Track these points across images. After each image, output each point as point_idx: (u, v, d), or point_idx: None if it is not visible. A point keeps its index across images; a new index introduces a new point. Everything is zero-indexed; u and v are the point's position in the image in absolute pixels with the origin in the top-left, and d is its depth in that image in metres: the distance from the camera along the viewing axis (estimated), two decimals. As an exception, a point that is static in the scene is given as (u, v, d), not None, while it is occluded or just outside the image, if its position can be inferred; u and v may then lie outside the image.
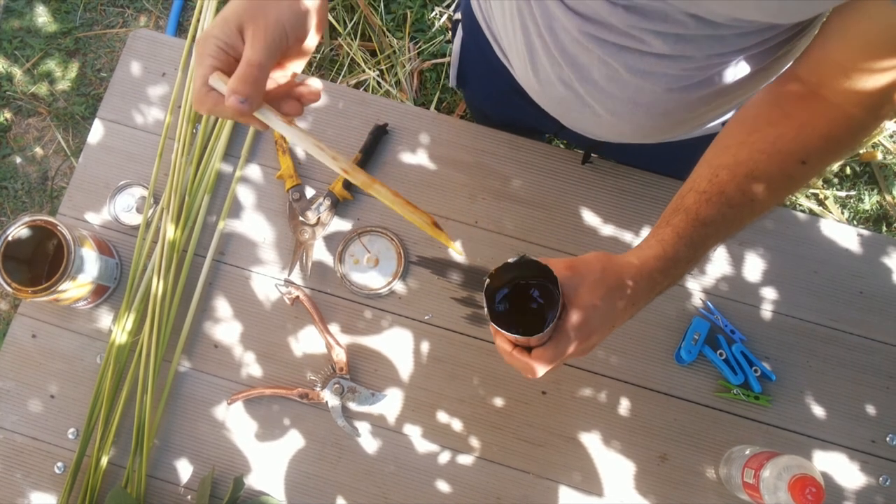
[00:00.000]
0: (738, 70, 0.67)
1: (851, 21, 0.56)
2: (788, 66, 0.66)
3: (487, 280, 0.58)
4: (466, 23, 0.91)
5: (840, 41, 0.58)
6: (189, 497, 0.88)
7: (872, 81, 0.57)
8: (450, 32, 1.77)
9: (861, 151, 1.76)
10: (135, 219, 0.94)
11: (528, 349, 0.60)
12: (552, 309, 0.58)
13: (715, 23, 0.60)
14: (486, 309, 0.57)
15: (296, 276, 0.93)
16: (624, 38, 0.64)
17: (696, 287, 0.93)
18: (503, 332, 0.57)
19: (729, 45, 0.63)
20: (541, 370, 0.60)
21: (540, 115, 0.87)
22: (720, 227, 0.60)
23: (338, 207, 0.94)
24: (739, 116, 0.64)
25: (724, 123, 0.84)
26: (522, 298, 0.62)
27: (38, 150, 1.81)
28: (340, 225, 0.95)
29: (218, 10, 1.01)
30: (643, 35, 0.62)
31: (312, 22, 0.57)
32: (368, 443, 0.90)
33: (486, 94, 1.00)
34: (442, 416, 0.90)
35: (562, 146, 1.08)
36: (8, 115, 1.83)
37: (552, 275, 0.56)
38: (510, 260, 0.58)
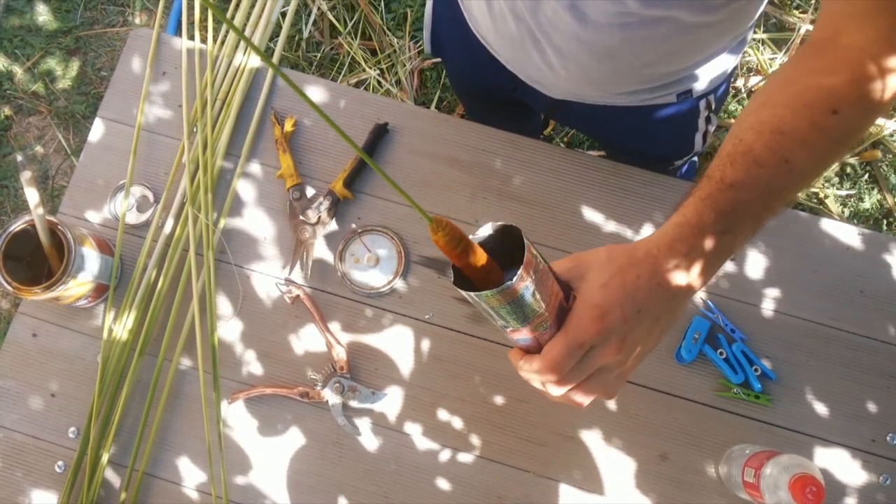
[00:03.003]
0: (682, 13, 0.67)
1: None
2: (752, 22, 0.64)
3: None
4: None
5: None
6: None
7: (890, 11, 0.52)
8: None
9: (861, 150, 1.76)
10: (135, 218, 0.94)
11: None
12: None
13: None
14: (452, 278, 0.50)
15: (296, 275, 0.93)
16: None
17: (696, 286, 0.93)
18: (463, 292, 0.49)
19: None
20: (559, 374, 0.51)
21: (505, 76, 0.88)
22: (753, 190, 0.51)
23: (338, 206, 0.94)
24: (759, 89, 0.62)
25: (683, 94, 0.85)
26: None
27: (39, 149, 1.81)
28: (341, 224, 0.95)
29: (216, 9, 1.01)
30: None
31: None
32: (369, 441, 0.90)
33: (460, 59, 1.01)
34: (443, 415, 0.90)
35: (562, 145, 1.08)
36: (8, 113, 1.83)
37: (515, 230, 0.48)
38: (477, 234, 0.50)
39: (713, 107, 0.93)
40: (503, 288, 0.47)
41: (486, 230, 0.50)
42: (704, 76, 0.85)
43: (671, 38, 0.71)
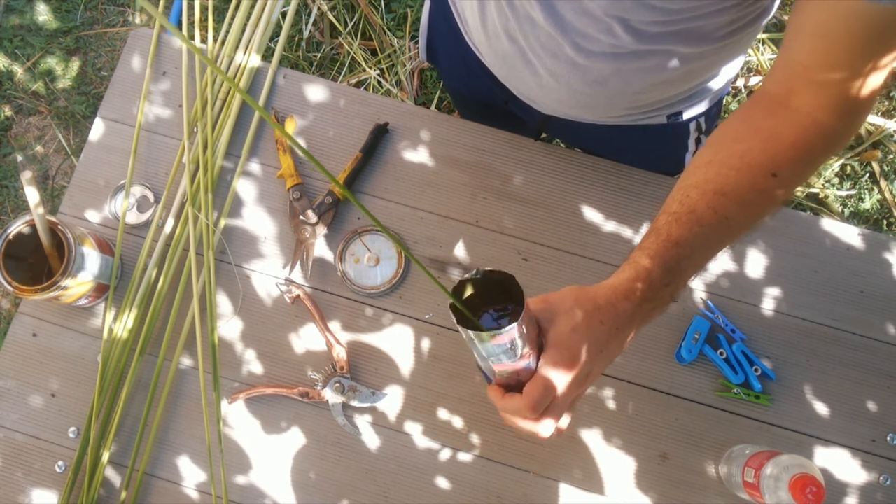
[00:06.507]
0: (677, 47, 0.68)
1: (807, 16, 0.55)
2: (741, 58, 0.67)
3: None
4: None
5: (801, 42, 0.56)
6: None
7: (839, 83, 0.55)
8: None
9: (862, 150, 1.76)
10: (136, 217, 0.94)
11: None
12: (519, 314, 0.55)
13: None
14: (453, 318, 0.54)
15: (296, 275, 0.93)
16: None
17: (696, 286, 0.93)
18: (465, 329, 0.54)
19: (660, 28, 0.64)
20: (537, 412, 0.57)
21: (498, 88, 0.89)
22: (695, 247, 0.58)
23: (338, 206, 0.94)
24: (710, 138, 0.64)
25: (673, 115, 0.86)
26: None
27: (39, 149, 1.81)
28: (341, 224, 0.95)
29: (216, 9, 1.01)
30: None
31: None
32: (369, 441, 0.90)
33: (454, 68, 1.01)
34: (442, 415, 0.90)
35: (562, 145, 1.09)
36: (8, 113, 1.83)
37: (512, 280, 0.54)
38: (467, 276, 0.55)
39: (703, 128, 0.93)
40: (502, 331, 0.53)
41: (475, 273, 0.56)
42: (695, 101, 0.86)
43: (664, 69, 0.72)
